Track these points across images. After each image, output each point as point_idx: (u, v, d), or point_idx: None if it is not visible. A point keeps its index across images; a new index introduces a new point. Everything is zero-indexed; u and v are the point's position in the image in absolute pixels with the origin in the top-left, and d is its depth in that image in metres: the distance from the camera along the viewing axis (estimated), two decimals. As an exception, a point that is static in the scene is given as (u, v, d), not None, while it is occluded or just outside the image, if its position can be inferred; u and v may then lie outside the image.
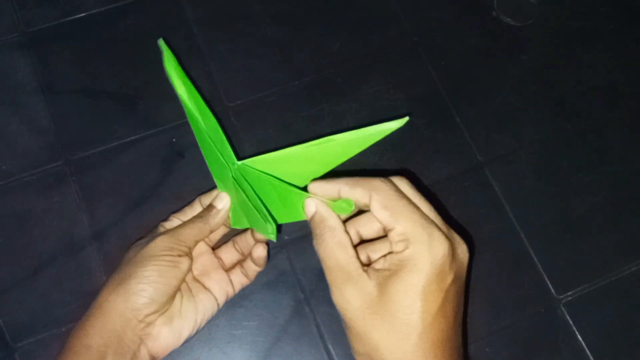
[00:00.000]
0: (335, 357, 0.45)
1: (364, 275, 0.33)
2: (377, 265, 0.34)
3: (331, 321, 0.46)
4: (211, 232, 0.41)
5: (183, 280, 0.40)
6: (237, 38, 0.54)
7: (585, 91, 0.54)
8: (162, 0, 0.54)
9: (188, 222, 0.40)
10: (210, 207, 0.41)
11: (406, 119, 0.34)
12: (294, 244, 0.48)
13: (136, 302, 0.37)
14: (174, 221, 0.42)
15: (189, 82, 0.39)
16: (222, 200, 0.41)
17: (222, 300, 0.42)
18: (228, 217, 0.42)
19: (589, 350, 0.46)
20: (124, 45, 0.53)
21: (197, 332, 0.41)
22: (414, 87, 0.53)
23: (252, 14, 0.55)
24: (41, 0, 0.54)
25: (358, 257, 0.34)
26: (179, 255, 0.39)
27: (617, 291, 0.48)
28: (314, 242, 0.35)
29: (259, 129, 0.51)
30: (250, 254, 0.43)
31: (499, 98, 0.53)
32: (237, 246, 0.44)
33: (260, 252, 0.42)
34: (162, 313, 0.39)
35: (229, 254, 0.44)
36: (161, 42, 0.39)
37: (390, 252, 0.34)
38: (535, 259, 0.49)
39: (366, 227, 0.37)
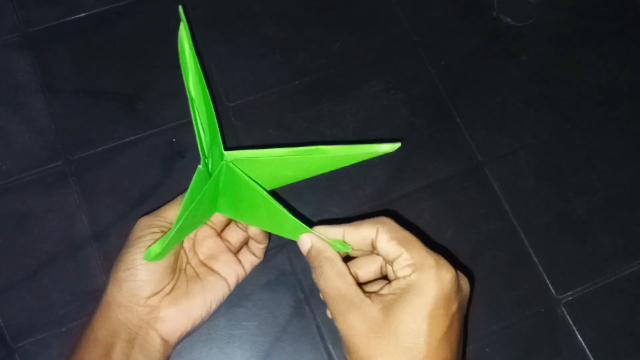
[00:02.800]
0: (335, 357, 0.45)
1: (367, 300, 0.33)
2: (382, 292, 0.34)
3: (331, 321, 0.46)
4: None
5: (175, 256, 0.39)
6: (237, 38, 0.54)
7: (585, 91, 0.54)
8: (162, 0, 0.54)
9: (172, 201, 0.40)
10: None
11: (398, 144, 0.36)
12: (294, 244, 0.48)
13: (130, 289, 0.37)
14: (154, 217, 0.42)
15: (197, 63, 0.40)
16: None
17: (232, 281, 0.42)
18: None
19: (589, 350, 0.46)
20: (124, 45, 0.53)
21: (210, 314, 0.41)
22: (414, 87, 0.53)
23: (252, 14, 0.55)
24: (41, 0, 0.54)
25: (359, 286, 0.35)
26: (162, 232, 0.39)
27: (617, 291, 0.48)
28: (313, 276, 0.36)
29: (259, 129, 0.51)
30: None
31: (499, 98, 0.53)
32: (240, 225, 0.43)
33: (254, 228, 0.41)
34: (166, 295, 0.38)
35: (234, 234, 0.44)
36: (181, 10, 0.39)
37: (395, 279, 0.34)
38: (535, 259, 0.49)
39: (364, 268, 0.38)
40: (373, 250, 0.37)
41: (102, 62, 0.52)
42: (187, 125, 0.51)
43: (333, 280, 0.35)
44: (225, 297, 0.41)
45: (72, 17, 0.53)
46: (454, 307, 0.33)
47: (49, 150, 0.49)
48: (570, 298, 0.48)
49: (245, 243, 0.44)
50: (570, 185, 0.51)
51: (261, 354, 0.45)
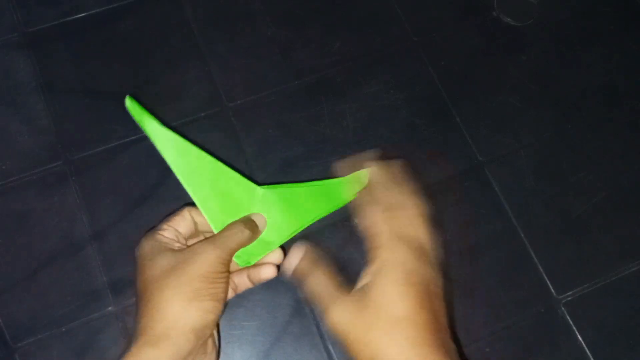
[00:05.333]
0: (335, 357, 0.45)
1: (345, 292, 0.36)
2: (358, 285, 0.36)
3: (331, 321, 0.46)
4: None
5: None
6: (237, 38, 0.54)
7: (585, 91, 0.54)
8: (162, 0, 0.54)
9: (230, 233, 0.39)
10: (250, 220, 0.40)
11: None
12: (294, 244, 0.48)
13: (210, 320, 0.36)
14: (171, 230, 0.40)
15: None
16: (263, 221, 0.41)
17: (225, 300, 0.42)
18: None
19: (589, 350, 0.46)
20: (124, 45, 0.53)
21: None
22: (414, 87, 0.53)
23: (252, 14, 0.55)
24: (41, 0, 0.54)
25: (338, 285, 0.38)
26: (228, 269, 0.38)
27: (617, 291, 0.48)
28: (303, 288, 0.39)
29: (259, 129, 0.51)
30: (259, 266, 0.42)
31: (499, 98, 0.53)
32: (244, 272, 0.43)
33: (270, 273, 0.41)
34: None
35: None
36: (128, 102, 0.40)
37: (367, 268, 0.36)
38: (535, 259, 0.49)
39: None
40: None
41: (102, 62, 0.52)
42: (187, 125, 0.51)
43: (313, 286, 0.38)
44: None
45: (72, 17, 0.53)
46: (420, 278, 0.35)
47: (49, 150, 0.49)
48: (570, 298, 0.48)
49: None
50: (570, 185, 0.51)
51: (261, 354, 0.45)
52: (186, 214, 0.42)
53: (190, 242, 0.41)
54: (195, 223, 0.42)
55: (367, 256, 0.36)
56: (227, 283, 0.38)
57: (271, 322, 0.46)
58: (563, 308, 0.47)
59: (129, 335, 0.37)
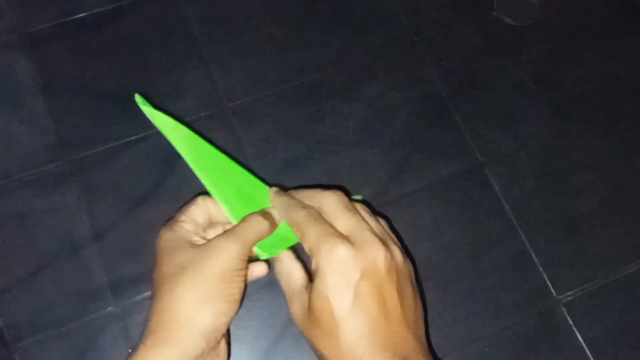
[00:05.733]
0: (335, 357, 0.45)
1: (304, 291, 0.37)
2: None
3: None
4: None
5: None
6: (237, 38, 0.54)
7: (585, 91, 0.54)
8: (162, 0, 0.54)
9: (248, 224, 0.38)
10: (267, 212, 0.40)
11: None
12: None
13: (222, 322, 0.35)
14: (190, 222, 0.39)
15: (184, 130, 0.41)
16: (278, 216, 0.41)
17: None
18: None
19: (589, 350, 0.46)
20: (124, 45, 0.53)
21: None
22: (414, 87, 0.53)
23: (252, 14, 0.55)
24: (41, 0, 0.54)
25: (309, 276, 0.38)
26: (246, 267, 0.38)
27: (617, 291, 0.48)
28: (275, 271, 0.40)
29: (259, 129, 0.51)
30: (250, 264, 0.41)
31: (499, 98, 0.53)
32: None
33: (260, 270, 0.41)
34: None
35: None
36: (138, 98, 0.39)
37: None
38: (535, 259, 0.49)
39: None
40: None
41: (102, 62, 0.52)
42: (187, 125, 0.50)
43: (282, 275, 0.39)
44: None
45: (72, 17, 0.53)
46: (355, 277, 0.33)
47: (49, 150, 0.49)
48: (570, 298, 0.48)
49: None
50: (570, 185, 0.51)
51: (261, 354, 0.45)
52: (202, 203, 0.40)
53: (208, 233, 0.40)
54: (209, 212, 0.41)
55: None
56: (245, 282, 0.37)
57: (271, 323, 0.46)
58: (563, 308, 0.47)
59: (142, 328, 0.37)
